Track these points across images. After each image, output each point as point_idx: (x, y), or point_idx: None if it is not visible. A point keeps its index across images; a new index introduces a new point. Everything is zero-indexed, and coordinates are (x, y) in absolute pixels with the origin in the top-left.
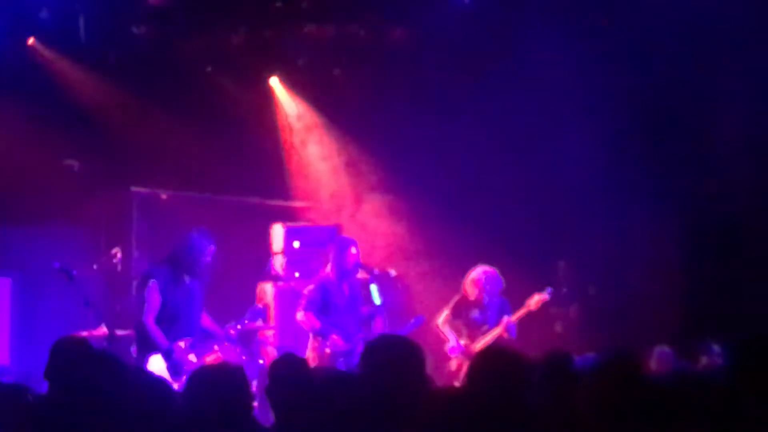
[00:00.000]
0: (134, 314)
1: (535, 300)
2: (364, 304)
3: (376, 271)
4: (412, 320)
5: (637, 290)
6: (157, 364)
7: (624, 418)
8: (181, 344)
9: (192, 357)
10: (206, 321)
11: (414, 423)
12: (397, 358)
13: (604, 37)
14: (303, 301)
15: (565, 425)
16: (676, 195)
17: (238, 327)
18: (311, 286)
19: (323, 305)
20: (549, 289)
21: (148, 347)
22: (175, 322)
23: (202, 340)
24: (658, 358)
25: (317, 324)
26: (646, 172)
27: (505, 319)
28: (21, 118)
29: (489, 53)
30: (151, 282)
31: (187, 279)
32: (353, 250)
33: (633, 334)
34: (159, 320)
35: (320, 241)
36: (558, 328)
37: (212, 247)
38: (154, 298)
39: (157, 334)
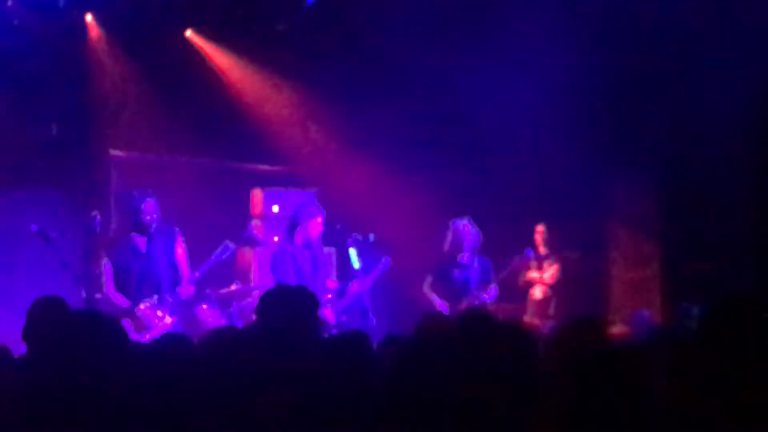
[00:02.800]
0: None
1: (517, 262)
2: (328, 276)
3: (355, 235)
4: (378, 264)
5: (616, 254)
6: None
7: (587, 381)
8: (142, 306)
9: (159, 314)
10: (182, 267)
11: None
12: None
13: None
14: (276, 277)
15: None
16: (654, 159)
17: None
18: (275, 256)
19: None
20: (528, 251)
21: (119, 315)
22: (133, 284)
23: (174, 298)
24: (635, 320)
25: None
26: (624, 135)
27: (484, 294)
28: None
29: (466, 13)
30: (100, 254)
31: (138, 240)
32: (318, 219)
33: (612, 298)
34: (120, 286)
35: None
36: (537, 292)
37: (150, 203)
38: (107, 269)
39: (117, 298)
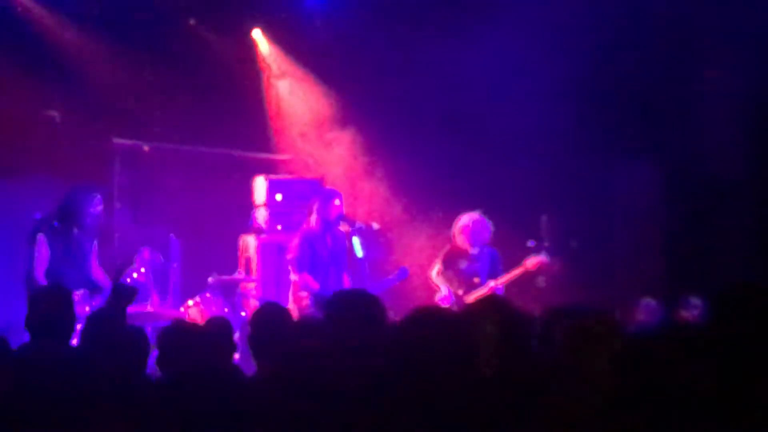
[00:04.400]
0: (25, 269)
1: (532, 261)
2: (348, 255)
3: (359, 224)
4: (396, 272)
5: (619, 244)
6: None
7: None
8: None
9: (87, 309)
10: (98, 273)
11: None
12: (356, 310)
13: None
14: (294, 263)
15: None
16: (657, 148)
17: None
18: (295, 242)
19: (311, 259)
20: (531, 242)
21: None
22: (64, 274)
23: (96, 293)
24: (643, 309)
25: (315, 285)
26: (628, 126)
27: (493, 283)
28: (1, 68)
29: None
30: (39, 236)
31: (75, 232)
32: (337, 201)
33: (615, 287)
34: (48, 273)
35: (303, 194)
36: (540, 282)
37: (98, 198)
38: (42, 252)
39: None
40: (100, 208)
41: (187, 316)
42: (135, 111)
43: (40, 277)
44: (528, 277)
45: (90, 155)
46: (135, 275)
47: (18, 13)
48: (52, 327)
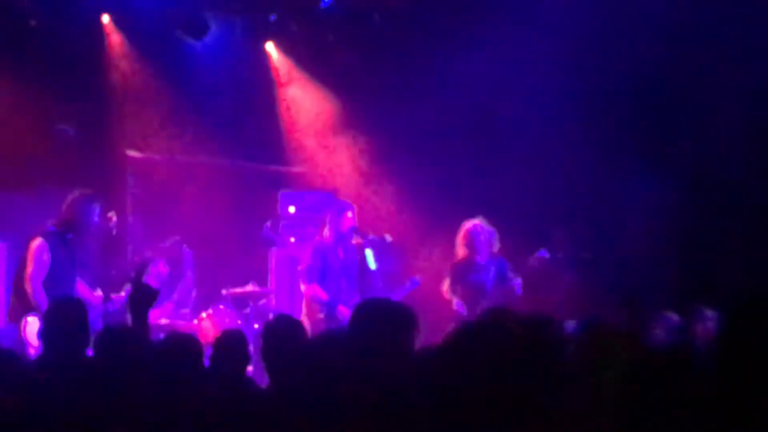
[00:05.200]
0: (17, 274)
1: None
2: (360, 268)
3: (372, 236)
4: (408, 282)
5: (632, 256)
6: (34, 326)
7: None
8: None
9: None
10: (81, 288)
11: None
12: (384, 320)
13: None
14: (303, 273)
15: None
16: (672, 160)
17: None
18: (307, 253)
19: (322, 271)
20: (543, 251)
21: (27, 308)
22: (59, 285)
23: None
24: (661, 322)
25: (324, 296)
26: (642, 136)
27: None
28: (15, 82)
29: (483, 12)
30: (41, 242)
31: (69, 248)
32: (349, 214)
33: (628, 300)
34: (44, 282)
35: (316, 207)
36: (554, 294)
37: (98, 209)
38: (43, 259)
39: (42, 298)
40: (97, 218)
41: (200, 329)
42: (148, 124)
43: (37, 285)
44: (529, 283)
45: (103, 168)
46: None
47: (32, 27)
48: (67, 338)
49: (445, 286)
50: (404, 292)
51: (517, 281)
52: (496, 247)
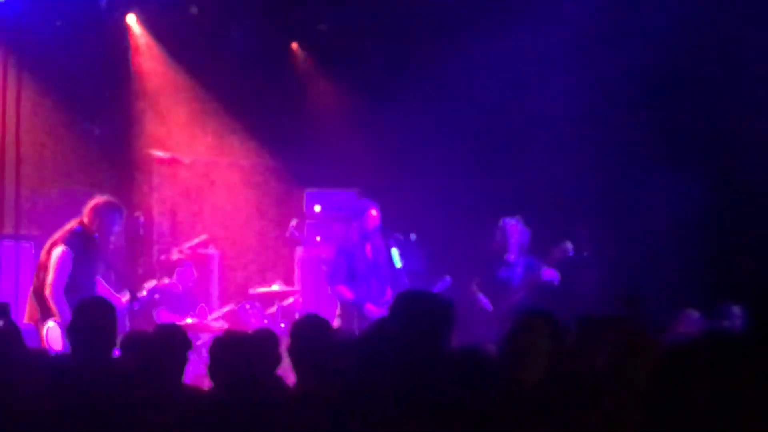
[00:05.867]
0: (39, 280)
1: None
2: (388, 266)
3: (397, 235)
4: (439, 282)
5: (657, 253)
6: (56, 332)
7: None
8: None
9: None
10: (103, 291)
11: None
12: (423, 311)
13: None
14: (327, 276)
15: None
16: (697, 156)
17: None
18: (333, 255)
19: (349, 271)
20: (567, 244)
21: (47, 313)
22: (81, 289)
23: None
24: (685, 321)
25: (350, 296)
26: (667, 135)
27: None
28: (41, 81)
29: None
30: (66, 250)
31: (92, 249)
32: (373, 212)
33: (653, 297)
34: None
35: (342, 205)
36: (578, 292)
37: (122, 217)
38: (66, 267)
39: (63, 305)
40: (119, 227)
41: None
42: (174, 124)
43: (59, 292)
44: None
45: (129, 167)
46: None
47: (57, 27)
48: (94, 338)
49: (473, 284)
50: (435, 291)
51: (553, 272)
52: (527, 247)
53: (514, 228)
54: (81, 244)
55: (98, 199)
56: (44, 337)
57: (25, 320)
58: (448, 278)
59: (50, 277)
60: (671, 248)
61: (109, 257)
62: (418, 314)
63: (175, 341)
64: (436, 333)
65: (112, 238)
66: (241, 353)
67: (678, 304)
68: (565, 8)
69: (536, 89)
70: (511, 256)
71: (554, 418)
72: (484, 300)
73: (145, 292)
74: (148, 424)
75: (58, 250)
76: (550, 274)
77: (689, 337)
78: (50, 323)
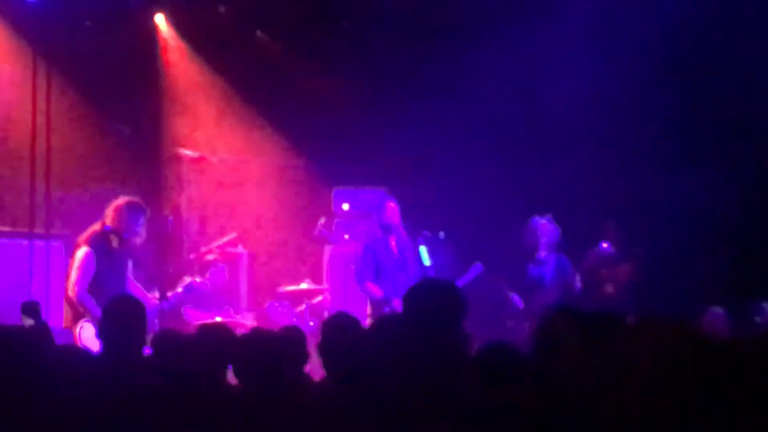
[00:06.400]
0: (66, 281)
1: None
2: (415, 260)
3: (426, 233)
4: (470, 269)
5: (687, 250)
6: (88, 331)
7: (681, 378)
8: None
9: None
10: (135, 289)
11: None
12: (437, 300)
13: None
14: (355, 275)
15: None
16: (728, 154)
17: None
18: (359, 253)
19: (376, 268)
20: (602, 244)
21: (80, 314)
22: (108, 289)
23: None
24: (710, 318)
25: (379, 293)
26: (700, 131)
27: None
28: (71, 82)
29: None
30: (88, 251)
31: (117, 248)
32: (391, 204)
33: (683, 294)
34: (90, 288)
35: (370, 204)
36: (609, 288)
37: (145, 216)
38: (89, 267)
39: (90, 302)
40: (142, 227)
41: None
42: (203, 122)
43: (83, 291)
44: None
45: (159, 167)
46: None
47: (90, 27)
48: (124, 337)
49: (501, 279)
50: (467, 279)
51: (576, 277)
52: (558, 244)
53: (545, 227)
54: (104, 244)
55: (121, 199)
56: (78, 338)
57: (64, 325)
58: (479, 265)
59: (72, 278)
60: (700, 245)
61: (138, 256)
62: (429, 305)
63: (221, 340)
64: (449, 322)
65: (137, 239)
66: (268, 351)
67: (706, 301)
68: (594, 5)
69: (564, 86)
70: (542, 254)
71: (586, 415)
72: (515, 297)
73: (180, 289)
74: (179, 421)
75: (80, 252)
76: (574, 280)
77: (715, 334)
78: (84, 323)
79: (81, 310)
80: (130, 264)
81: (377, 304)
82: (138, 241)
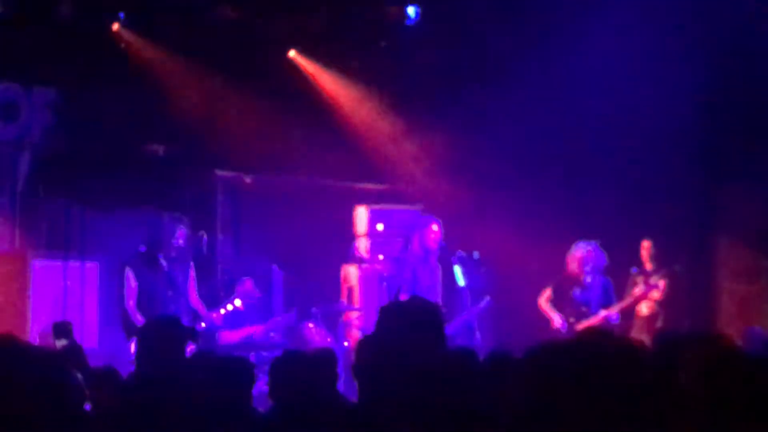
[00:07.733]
0: (117, 302)
1: (640, 289)
2: (450, 284)
3: (460, 252)
4: (482, 302)
5: (724, 268)
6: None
7: (726, 395)
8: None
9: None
10: (196, 303)
11: None
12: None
13: None
14: (391, 289)
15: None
16: (762, 171)
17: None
18: (394, 270)
19: (413, 283)
20: (634, 269)
21: (132, 331)
22: (154, 305)
23: (196, 321)
24: (749, 337)
25: None
26: (734, 146)
27: (606, 312)
28: (106, 103)
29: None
30: (127, 269)
31: (163, 263)
32: (435, 227)
33: (720, 313)
34: (139, 305)
35: (404, 224)
36: (644, 308)
37: (182, 230)
38: (130, 284)
39: (137, 318)
40: (182, 240)
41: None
42: (236, 143)
43: (132, 310)
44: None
45: (193, 187)
46: (235, 304)
47: (121, 49)
48: (158, 357)
49: (543, 297)
50: (476, 311)
51: (615, 313)
52: (604, 268)
53: (590, 254)
54: (143, 263)
55: (162, 215)
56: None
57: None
58: (488, 298)
59: (124, 298)
60: (737, 262)
61: (175, 275)
62: (403, 326)
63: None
64: (419, 337)
65: (173, 253)
66: (301, 373)
67: (746, 320)
68: (630, 25)
69: (604, 109)
70: (588, 278)
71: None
72: (557, 316)
73: (223, 310)
74: None
75: (124, 272)
76: (610, 315)
77: (753, 353)
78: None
79: (132, 324)
80: (190, 276)
81: None
82: (179, 251)
